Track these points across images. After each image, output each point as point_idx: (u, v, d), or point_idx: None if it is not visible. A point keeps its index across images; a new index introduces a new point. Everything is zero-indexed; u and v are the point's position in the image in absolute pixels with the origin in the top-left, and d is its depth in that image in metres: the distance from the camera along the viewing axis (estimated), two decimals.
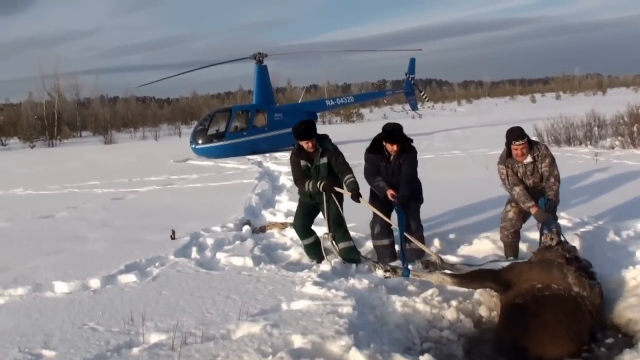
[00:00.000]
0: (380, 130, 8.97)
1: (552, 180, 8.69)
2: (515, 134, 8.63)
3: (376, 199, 9.17)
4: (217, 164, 25.95)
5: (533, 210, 8.53)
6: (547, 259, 7.39)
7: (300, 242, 9.74)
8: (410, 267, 8.25)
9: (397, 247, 9.14)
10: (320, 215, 9.59)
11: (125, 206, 15.31)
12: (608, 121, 24.95)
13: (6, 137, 68.31)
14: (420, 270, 8.34)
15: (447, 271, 8.14)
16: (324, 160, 9.13)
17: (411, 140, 9.22)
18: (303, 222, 9.52)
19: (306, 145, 9.05)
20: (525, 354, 6.18)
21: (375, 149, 9.12)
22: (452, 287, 7.72)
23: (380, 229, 9.15)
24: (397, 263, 8.82)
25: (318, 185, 9.03)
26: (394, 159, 9.01)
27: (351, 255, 9.19)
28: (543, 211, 8.51)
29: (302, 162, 9.18)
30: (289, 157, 9.60)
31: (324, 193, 9.11)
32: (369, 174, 9.10)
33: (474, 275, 7.65)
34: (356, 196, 8.94)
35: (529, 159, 8.70)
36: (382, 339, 6.29)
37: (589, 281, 6.80)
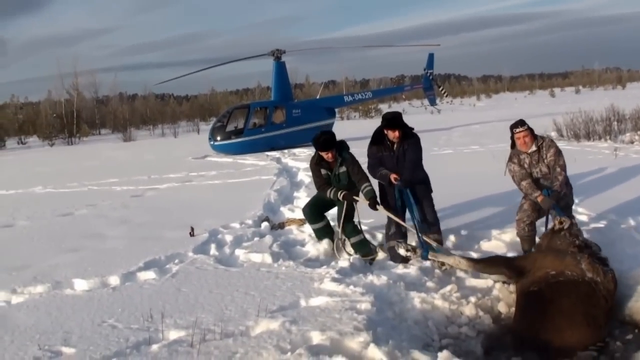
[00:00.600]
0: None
1: (558, 169, 8.72)
2: (515, 122, 8.84)
3: (385, 194, 9.26)
4: (236, 160, 26.00)
5: (539, 199, 8.59)
6: (557, 247, 7.40)
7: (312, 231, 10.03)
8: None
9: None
10: (331, 211, 9.87)
11: (144, 203, 15.36)
12: (628, 116, 24.81)
13: (26, 135, 68.97)
14: (438, 252, 8.42)
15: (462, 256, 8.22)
16: (343, 169, 9.41)
17: (412, 128, 9.31)
18: (312, 209, 9.86)
19: (326, 155, 9.32)
20: (544, 340, 6.20)
21: (377, 140, 9.26)
22: (470, 283, 7.82)
23: (395, 230, 9.16)
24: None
25: (339, 195, 9.28)
26: (397, 146, 9.12)
27: (364, 249, 9.35)
28: (548, 199, 8.54)
29: (323, 171, 9.47)
30: (307, 153, 9.66)
31: (346, 203, 9.36)
32: (372, 167, 9.21)
33: (489, 261, 7.81)
34: (374, 204, 9.12)
35: (533, 147, 8.79)
36: (400, 336, 6.28)
37: (602, 267, 6.81)
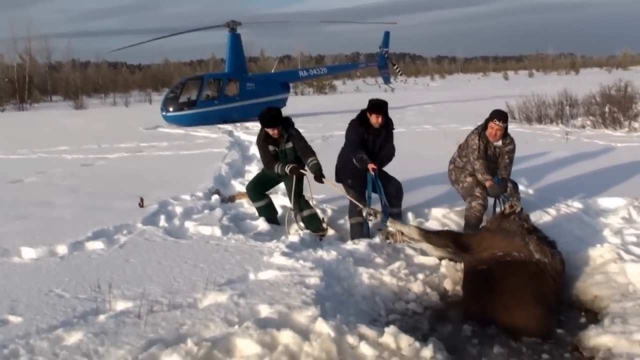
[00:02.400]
0: (353, 103, 9.14)
1: (507, 161, 9.12)
2: (499, 114, 9.06)
3: (355, 173, 9.34)
4: (188, 132, 25.83)
5: (488, 184, 8.88)
6: (507, 229, 7.54)
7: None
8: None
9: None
10: (277, 187, 10.16)
11: (94, 172, 15.19)
12: (580, 101, 25.11)
13: None
14: (395, 221, 8.71)
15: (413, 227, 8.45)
16: (290, 145, 9.56)
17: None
18: (255, 187, 10.01)
19: (272, 132, 9.45)
20: (492, 318, 6.30)
21: (362, 121, 9.35)
22: (418, 260, 8.00)
23: (353, 207, 9.25)
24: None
25: (287, 169, 9.33)
26: (377, 132, 9.34)
27: (315, 223, 9.44)
28: (497, 186, 8.84)
29: (271, 147, 9.57)
30: (260, 127, 9.65)
31: (294, 177, 9.44)
32: (355, 145, 9.25)
33: (439, 234, 8.12)
34: (319, 177, 9.31)
35: (499, 143, 9.09)
36: (348, 310, 6.33)
37: (550, 249, 6.96)
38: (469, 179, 9.22)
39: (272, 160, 9.52)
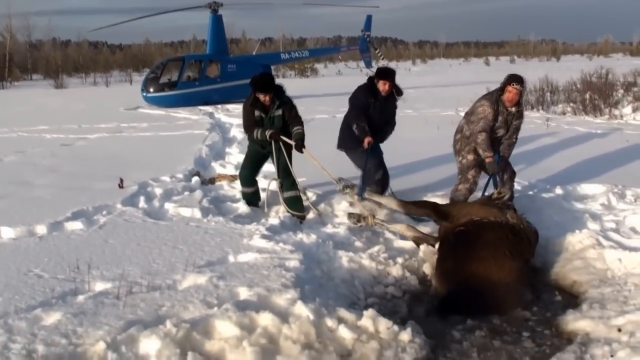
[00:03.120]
0: (335, 86, 9.15)
1: (514, 139, 9.08)
2: (517, 77, 8.92)
3: (353, 141, 9.39)
4: (168, 113, 25.73)
5: (488, 160, 8.78)
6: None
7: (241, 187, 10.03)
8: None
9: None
10: (266, 166, 9.90)
11: (73, 152, 15.11)
12: (561, 87, 25.21)
13: None
14: (373, 193, 8.94)
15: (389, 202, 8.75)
16: (279, 112, 9.26)
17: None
18: (250, 172, 9.78)
19: (263, 97, 9.13)
20: (468, 273, 6.46)
21: (367, 87, 9.40)
22: (397, 244, 8.13)
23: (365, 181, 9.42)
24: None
25: (267, 134, 9.15)
26: (383, 99, 9.38)
27: (296, 205, 9.35)
28: (496, 165, 8.79)
29: (257, 113, 9.28)
30: (241, 110, 9.60)
31: (273, 143, 9.25)
32: (358, 111, 9.28)
33: (418, 203, 8.36)
34: (300, 147, 9.18)
35: (514, 109, 8.93)
36: (327, 294, 6.36)
37: (525, 220, 7.28)
38: (470, 157, 9.10)
39: (253, 125, 9.30)
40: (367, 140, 9.07)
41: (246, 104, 9.41)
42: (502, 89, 8.89)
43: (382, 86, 9.27)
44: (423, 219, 8.78)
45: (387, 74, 9.33)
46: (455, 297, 6.38)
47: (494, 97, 8.95)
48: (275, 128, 9.24)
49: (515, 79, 8.82)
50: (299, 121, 9.32)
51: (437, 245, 7.63)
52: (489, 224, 7.04)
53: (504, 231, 6.90)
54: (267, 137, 9.17)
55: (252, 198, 9.83)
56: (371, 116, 9.24)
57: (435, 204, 8.17)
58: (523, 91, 9.01)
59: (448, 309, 6.30)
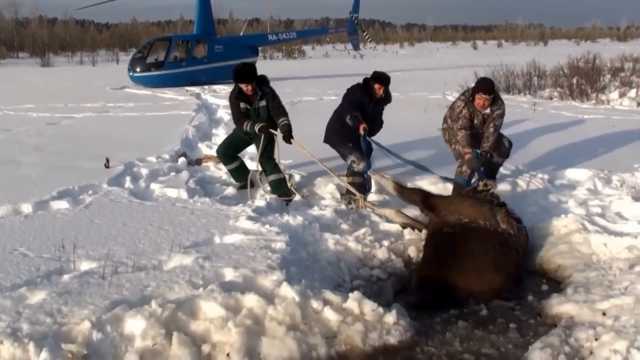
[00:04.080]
0: (322, 68, 9.15)
1: (492, 129, 9.02)
2: (485, 86, 8.92)
3: (345, 130, 9.41)
4: (155, 93, 25.56)
5: (467, 157, 8.83)
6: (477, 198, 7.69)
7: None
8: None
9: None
10: (248, 149, 10.02)
11: (60, 132, 15.01)
12: (548, 72, 25.22)
13: None
14: (376, 173, 9.17)
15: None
16: (263, 103, 9.31)
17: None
18: (225, 151, 9.88)
19: (245, 87, 9.20)
20: (449, 282, 6.42)
21: (363, 88, 9.47)
22: (383, 227, 8.14)
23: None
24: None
25: (256, 128, 9.20)
26: (376, 101, 9.50)
27: (281, 188, 9.40)
28: (475, 160, 8.81)
29: (242, 105, 9.34)
30: (228, 90, 9.61)
31: (263, 135, 9.30)
32: (353, 105, 9.32)
33: (411, 190, 8.36)
34: (288, 137, 9.20)
35: (487, 110, 9.02)
36: (313, 275, 6.37)
37: (516, 223, 7.03)
38: (455, 150, 9.28)
39: (242, 118, 9.36)
40: (362, 126, 9.14)
41: (231, 97, 9.47)
42: (472, 96, 9.02)
43: (378, 90, 9.38)
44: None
45: (384, 79, 9.43)
46: (431, 305, 6.33)
47: (468, 100, 9.10)
48: (261, 119, 9.29)
49: (483, 89, 8.85)
50: (284, 112, 9.36)
51: (424, 233, 7.67)
52: (476, 231, 6.88)
53: (491, 241, 6.77)
54: (257, 130, 9.21)
55: (239, 174, 9.85)
56: (363, 115, 9.28)
57: (427, 194, 8.06)
58: (494, 96, 8.98)
59: (423, 310, 6.28)
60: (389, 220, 8.25)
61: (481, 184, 8.30)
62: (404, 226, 8.05)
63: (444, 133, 9.64)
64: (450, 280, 6.42)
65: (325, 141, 9.70)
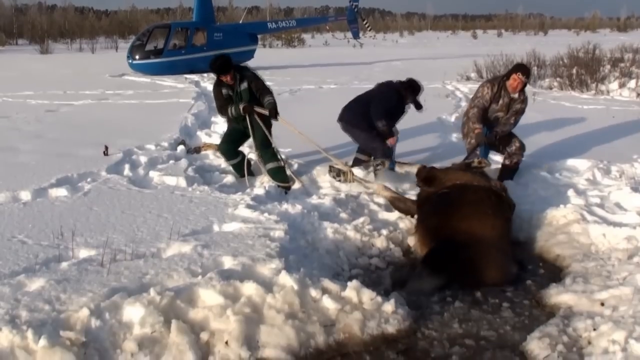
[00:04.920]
0: (322, 57, 9.21)
1: (513, 119, 9.30)
2: (524, 68, 9.37)
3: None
4: (154, 81, 25.50)
5: (476, 131, 9.08)
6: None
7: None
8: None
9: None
10: (250, 140, 9.79)
11: (58, 119, 15.00)
12: (548, 62, 25.16)
13: None
14: (403, 164, 9.35)
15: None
16: (245, 85, 9.32)
17: None
18: (227, 147, 9.84)
19: (224, 78, 9.26)
20: (452, 230, 6.61)
21: (398, 96, 9.65)
22: (382, 216, 8.20)
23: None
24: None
25: (240, 108, 9.24)
26: (402, 110, 9.82)
27: (279, 176, 9.40)
28: (483, 136, 9.07)
29: (224, 91, 9.40)
30: None
31: (247, 118, 9.33)
32: (385, 111, 9.42)
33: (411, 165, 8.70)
34: (274, 114, 9.24)
35: (516, 95, 9.22)
36: (312, 264, 6.37)
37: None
38: (474, 142, 9.30)
39: (225, 105, 9.42)
40: (391, 141, 9.33)
41: (214, 87, 9.58)
42: (507, 75, 9.22)
43: (411, 101, 9.67)
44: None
45: (418, 90, 9.73)
46: (438, 253, 6.45)
47: (497, 80, 9.32)
48: (245, 101, 9.30)
49: (521, 70, 9.21)
50: (268, 91, 9.38)
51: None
52: (471, 186, 7.26)
53: (486, 193, 7.08)
54: (241, 111, 9.24)
55: (242, 171, 9.78)
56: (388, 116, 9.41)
57: (429, 168, 8.35)
58: (528, 81, 9.28)
59: (432, 267, 6.37)
60: (387, 209, 8.26)
61: (476, 160, 8.42)
62: (392, 201, 8.23)
63: (462, 126, 9.80)
64: (454, 227, 6.59)
65: (343, 120, 9.74)
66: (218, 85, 9.42)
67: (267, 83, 9.71)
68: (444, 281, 6.27)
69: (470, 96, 9.84)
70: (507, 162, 9.52)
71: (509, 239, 6.94)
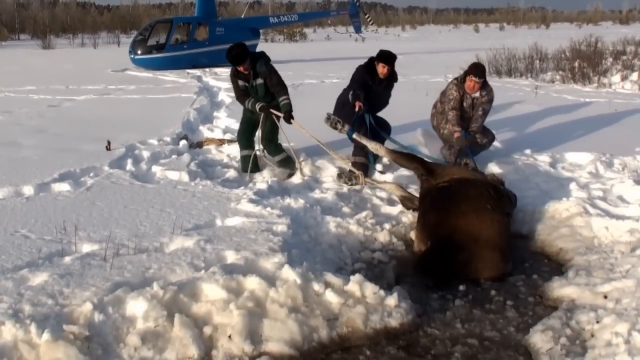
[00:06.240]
0: (324, 51, 9.15)
1: (481, 112, 9.53)
2: (477, 70, 9.41)
3: (346, 108, 9.42)
4: (156, 76, 25.53)
5: (456, 135, 9.26)
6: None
7: (238, 153, 10.11)
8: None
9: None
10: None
11: (61, 114, 15.03)
12: (550, 55, 25.13)
13: None
14: (362, 135, 8.94)
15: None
16: (260, 81, 9.37)
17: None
18: (241, 137, 9.93)
19: (240, 68, 9.28)
20: (451, 226, 6.59)
21: (368, 68, 9.51)
22: (385, 210, 8.17)
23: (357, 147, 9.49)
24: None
25: (257, 107, 9.32)
26: (380, 82, 9.54)
27: (288, 164, 9.68)
28: (464, 139, 9.22)
29: (240, 82, 9.44)
30: (229, 72, 9.62)
31: (263, 114, 9.43)
32: (357, 85, 9.36)
33: (406, 155, 8.50)
34: (288, 118, 9.29)
35: (477, 94, 9.43)
36: (314, 258, 6.38)
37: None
38: (449, 126, 9.57)
39: (243, 96, 9.50)
40: (357, 104, 9.10)
41: (231, 75, 9.59)
42: (463, 78, 9.44)
43: (381, 69, 9.38)
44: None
45: (388, 58, 9.38)
46: (437, 251, 6.45)
47: (459, 82, 9.50)
48: (259, 97, 9.40)
49: (473, 72, 9.33)
50: (284, 90, 9.41)
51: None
52: (470, 181, 7.25)
53: (485, 187, 7.05)
54: (257, 110, 9.34)
55: (247, 166, 9.74)
56: (368, 94, 9.32)
57: (422, 159, 8.31)
58: (484, 81, 9.40)
59: (429, 264, 6.39)
60: (390, 203, 8.27)
61: (463, 162, 8.80)
62: (403, 200, 8.12)
63: (432, 119, 10.08)
64: (452, 224, 6.57)
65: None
66: (235, 75, 9.45)
67: None
68: (441, 279, 6.28)
69: None
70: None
71: (509, 231, 6.93)
